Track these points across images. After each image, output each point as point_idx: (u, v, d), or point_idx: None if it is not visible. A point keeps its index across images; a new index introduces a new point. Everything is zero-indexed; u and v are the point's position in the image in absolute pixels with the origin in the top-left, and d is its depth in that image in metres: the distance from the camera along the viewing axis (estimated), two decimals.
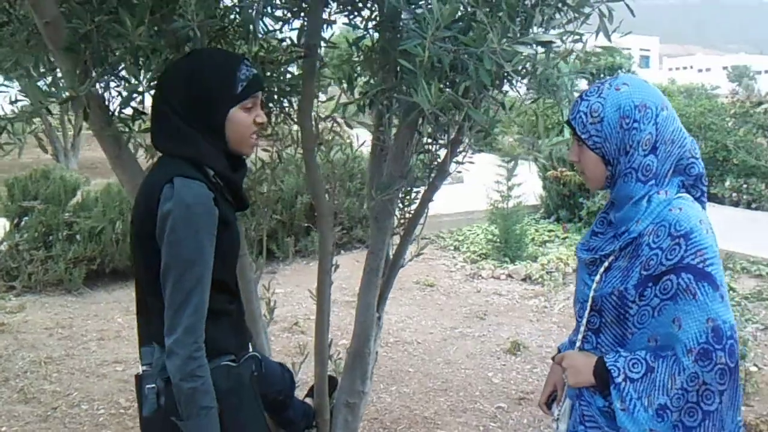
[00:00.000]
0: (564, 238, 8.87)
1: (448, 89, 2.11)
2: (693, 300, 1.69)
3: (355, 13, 2.74)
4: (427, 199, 2.85)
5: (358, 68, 2.65)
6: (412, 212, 2.93)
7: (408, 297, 6.73)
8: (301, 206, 7.83)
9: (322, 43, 2.82)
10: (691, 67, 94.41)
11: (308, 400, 2.94)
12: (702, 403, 1.71)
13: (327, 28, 2.87)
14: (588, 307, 1.90)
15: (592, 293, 1.88)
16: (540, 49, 2.19)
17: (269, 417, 2.63)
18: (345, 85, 2.58)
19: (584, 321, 1.93)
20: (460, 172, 2.83)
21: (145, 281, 2.01)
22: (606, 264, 1.87)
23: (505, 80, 2.45)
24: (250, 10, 2.02)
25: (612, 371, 1.79)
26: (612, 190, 1.88)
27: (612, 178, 1.86)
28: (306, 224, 7.89)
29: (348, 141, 3.02)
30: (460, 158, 2.83)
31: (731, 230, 7.99)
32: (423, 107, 1.93)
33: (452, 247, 8.66)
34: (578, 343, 1.96)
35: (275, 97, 2.80)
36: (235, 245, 2.12)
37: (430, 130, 2.72)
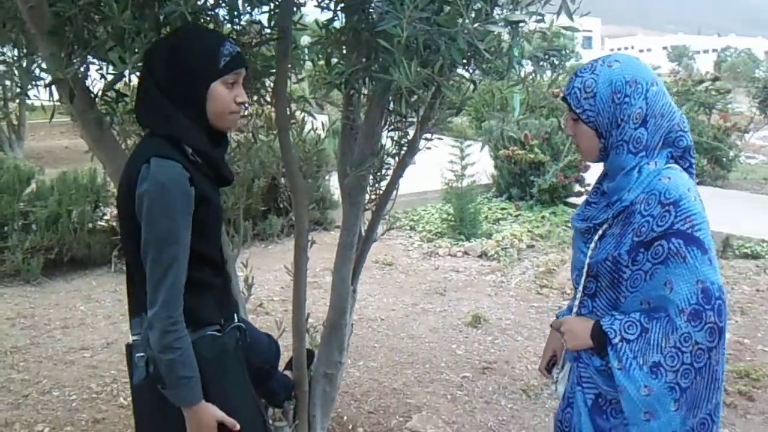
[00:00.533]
0: (516, 216, 9.07)
1: (422, 68, 2.21)
2: (683, 263, 1.80)
3: None
4: (397, 175, 2.97)
5: (330, 50, 2.73)
6: (383, 188, 3.03)
7: (368, 276, 6.83)
8: (258, 190, 7.84)
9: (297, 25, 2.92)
10: (632, 48, 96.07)
11: (287, 373, 3.03)
12: (694, 362, 1.81)
13: (296, 10, 2.96)
14: (584, 274, 2.03)
15: (587, 260, 2.01)
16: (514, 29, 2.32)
17: (254, 387, 2.73)
18: (323, 67, 2.66)
19: (581, 287, 2.05)
20: (429, 148, 2.95)
21: (130, 256, 2.07)
22: (600, 232, 1.99)
23: (472, 59, 2.57)
24: None
25: (609, 333, 1.91)
26: (605, 161, 2.00)
27: (605, 150, 1.97)
28: (263, 208, 7.94)
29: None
30: (428, 135, 2.96)
31: None
32: (401, 85, 2.04)
33: (408, 227, 8.78)
34: (575, 309, 2.09)
35: (249, 79, 2.88)
36: (218, 220, 2.20)
37: (403, 108, 2.82)
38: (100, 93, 2.40)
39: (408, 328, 5.43)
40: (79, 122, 2.45)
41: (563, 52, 36.09)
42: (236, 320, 2.29)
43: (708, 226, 1.86)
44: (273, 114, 2.83)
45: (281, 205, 8.18)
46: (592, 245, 2.01)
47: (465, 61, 2.57)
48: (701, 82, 12.56)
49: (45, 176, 7.73)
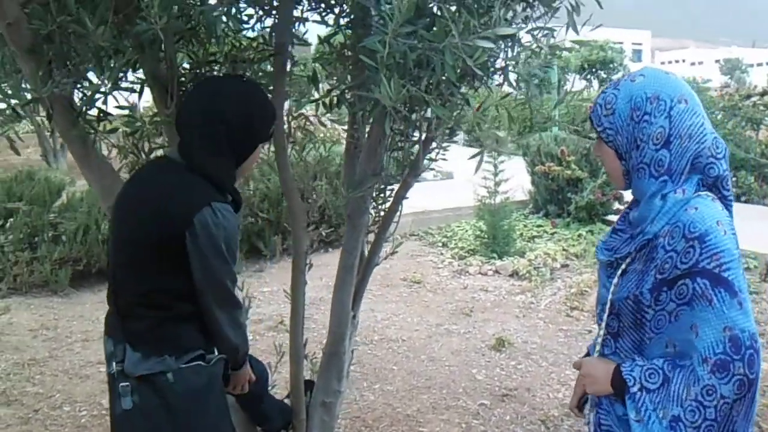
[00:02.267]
0: (552, 234, 8.86)
1: (413, 86, 2.09)
2: (709, 307, 1.61)
3: (327, 11, 2.73)
4: (400, 196, 2.84)
5: (326, 66, 2.63)
6: (386, 210, 2.91)
7: (394, 294, 6.72)
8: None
9: (295, 41, 2.83)
10: (684, 61, 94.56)
11: (287, 401, 2.94)
12: (718, 417, 1.62)
13: (299, 25, 2.87)
14: (607, 311, 1.85)
15: (610, 296, 1.83)
16: (507, 44, 2.20)
17: (243, 411, 2.66)
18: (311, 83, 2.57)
19: (603, 324, 1.88)
20: (433, 169, 2.82)
21: (138, 285, 2.07)
22: (623, 267, 1.82)
23: (475, 77, 2.44)
24: (214, 13, 1.99)
25: (627, 380, 1.73)
26: (630, 186, 1.83)
27: (627, 173, 1.80)
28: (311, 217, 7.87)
29: (321, 138, 3.00)
30: (433, 155, 2.83)
31: None
32: (384, 103, 1.92)
33: (440, 244, 8.64)
34: (598, 347, 1.92)
35: None
36: None
37: (400, 127, 2.70)
38: (82, 112, 2.33)
39: (429, 350, 5.28)
40: (64, 140, 2.38)
41: (612, 66, 35.58)
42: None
43: (740, 264, 1.65)
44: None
45: (311, 219, 8.12)
46: (615, 281, 1.83)
47: (469, 78, 2.44)
48: (749, 96, 12.19)
49: (75, 188, 7.79)
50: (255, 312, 6.08)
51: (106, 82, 2.05)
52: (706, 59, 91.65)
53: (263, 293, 6.66)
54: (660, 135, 1.70)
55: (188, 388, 2.07)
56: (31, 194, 7.18)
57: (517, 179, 8.77)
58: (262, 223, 7.76)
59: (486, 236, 8.06)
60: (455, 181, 11.27)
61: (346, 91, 2.45)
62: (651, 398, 1.69)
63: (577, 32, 2.31)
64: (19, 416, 4.23)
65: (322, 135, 2.95)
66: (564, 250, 7.96)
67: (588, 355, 2.06)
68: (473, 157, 2.22)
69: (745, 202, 10.88)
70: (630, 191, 1.87)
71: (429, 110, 2.57)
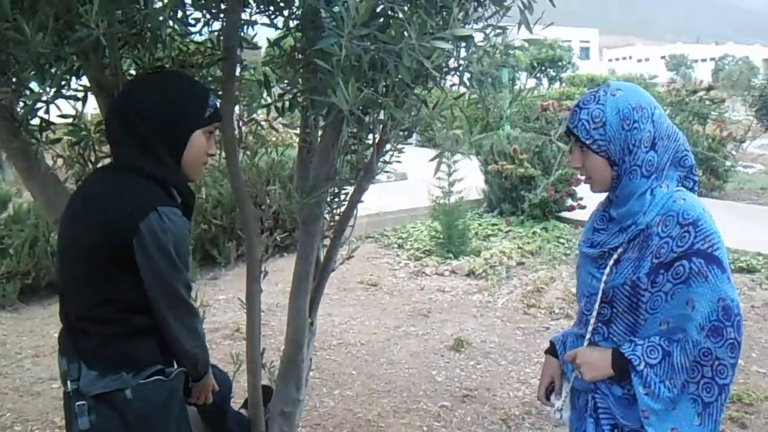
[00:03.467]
0: (507, 232, 8.90)
1: (368, 89, 2.06)
2: (705, 282, 1.83)
3: (276, 13, 2.68)
4: (355, 200, 2.80)
5: (275, 70, 2.58)
6: (341, 214, 2.87)
7: (351, 297, 6.68)
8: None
9: (244, 45, 2.77)
10: (631, 58, 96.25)
11: (243, 411, 2.88)
12: (717, 377, 1.84)
13: (247, 28, 2.82)
14: (598, 299, 2.01)
15: (602, 285, 1.99)
16: (461, 44, 2.17)
17: (206, 426, 2.60)
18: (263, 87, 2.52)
19: (594, 313, 2.03)
20: (387, 171, 2.79)
21: (93, 297, 1.99)
22: (615, 256, 1.98)
23: (429, 77, 2.41)
24: (159, 17, 1.93)
25: (633, 360, 1.91)
26: (615, 189, 1.99)
27: (618, 177, 1.97)
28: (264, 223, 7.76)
29: (273, 142, 2.94)
30: (387, 158, 2.80)
31: None
32: (341, 107, 1.89)
33: (396, 245, 8.62)
34: (588, 335, 2.06)
35: None
36: None
37: (354, 130, 2.67)
38: (23, 122, 2.24)
39: (388, 353, 5.25)
40: (5, 152, 2.30)
41: (561, 63, 36.03)
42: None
43: (724, 245, 1.89)
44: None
45: (265, 225, 8.03)
46: (607, 270, 1.99)
47: (422, 79, 2.42)
48: (695, 91, 12.42)
49: (22, 199, 7.59)
50: (211, 320, 5.99)
51: (47, 90, 1.97)
52: (652, 56, 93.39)
53: (218, 301, 6.57)
54: (648, 139, 1.93)
55: (148, 404, 2.01)
56: None
57: (470, 179, 8.79)
58: (215, 229, 7.65)
59: (441, 236, 8.06)
60: (409, 181, 11.26)
61: (299, 95, 2.40)
62: (655, 371, 1.89)
63: (530, 30, 2.30)
64: None
65: (274, 139, 2.90)
66: (519, 248, 8.00)
67: (553, 347, 2.27)
68: (433, 159, 2.19)
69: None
70: (606, 192, 2.06)
71: (382, 113, 2.54)
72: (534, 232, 8.71)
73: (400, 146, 2.70)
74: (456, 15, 1.95)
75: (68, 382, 2.01)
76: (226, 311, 6.28)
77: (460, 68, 2.21)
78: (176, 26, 2.09)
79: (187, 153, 2.03)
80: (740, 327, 1.84)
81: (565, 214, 9.25)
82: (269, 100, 2.53)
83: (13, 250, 6.66)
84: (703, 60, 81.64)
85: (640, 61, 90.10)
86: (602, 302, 2.01)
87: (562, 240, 8.47)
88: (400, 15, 2.00)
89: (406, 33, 1.92)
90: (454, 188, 8.12)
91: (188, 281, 2.06)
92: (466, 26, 2.05)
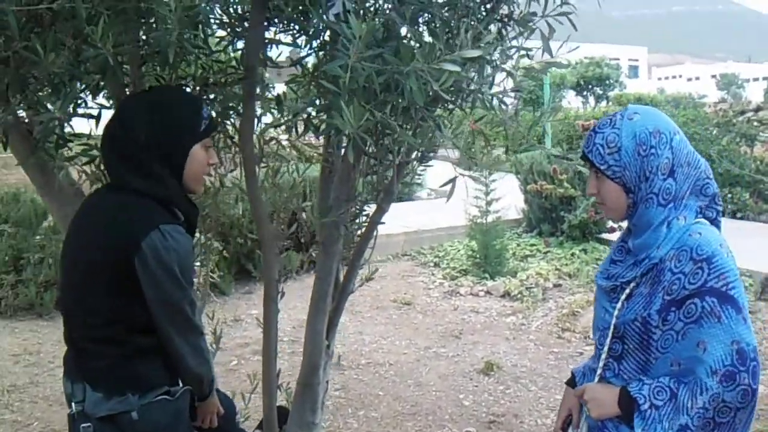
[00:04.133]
0: (545, 253, 8.77)
1: (380, 111, 2.03)
2: (718, 323, 1.73)
3: (300, 33, 2.66)
4: (374, 222, 2.77)
5: (295, 89, 2.57)
6: (360, 236, 2.84)
7: (384, 316, 6.63)
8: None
9: (268, 64, 2.77)
10: (680, 76, 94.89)
11: None
12: (716, 416, 1.74)
13: (271, 47, 2.81)
14: (609, 335, 1.92)
15: (614, 320, 1.91)
16: (476, 66, 2.13)
17: None
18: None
19: (606, 348, 1.95)
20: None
21: (91, 318, 1.98)
22: (627, 291, 1.90)
23: (441, 100, 2.37)
24: (168, 37, 1.92)
25: (638, 399, 1.82)
26: (632, 217, 1.91)
27: (633, 205, 1.89)
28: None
29: (293, 163, 2.93)
30: (409, 178, 2.77)
31: None
32: (345, 130, 1.86)
33: (432, 264, 8.56)
34: (599, 371, 1.97)
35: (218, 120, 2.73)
36: None
37: (373, 151, 2.64)
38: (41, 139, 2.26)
39: (417, 374, 5.17)
40: (23, 168, 2.31)
41: (608, 81, 35.63)
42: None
43: (741, 283, 1.79)
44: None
45: (302, 241, 8.03)
46: (619, 305, 1.91)
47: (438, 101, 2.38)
48: (743, 112, 12.10)
49: None
50: (241, 335, 6.01)
51: (62, 108, 1.97)
52: (702, 74, 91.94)
53: (251, 315, 6.56)
54: (666, 165, 1.82)
55: (154, 425, 1.99)
56: (17, 216, 7.10)
57: (510, 198, 8.69)
58: (251, 244, 7.67)
59: (478, 256, 7.96)
60: (450, 199, 11.16)
61: (311, 115, 2.38)
62: (659, 413, 1.79)
63: (551, 55, 2.26)
64: None
65: (294, 159, 2.88)
66: (557, 269, 7.86)
67: (573, 379, 2.17)
68: (445, 185, 2.15)
69: (741, 218, 10.80)
70: (625, 221, 1.98)
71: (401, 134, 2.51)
72: (573, 254, 8.56)
73: (420, 168, 2.65)
74: (469, 37, 1.91)
75: (73, 403, 2.00)
76: (258, 327, 6.26)
77: (475, 91, 2.15)
78: (188, 45, 2.07)
79: (188, 168, 2.01)
80: (756, 373, 1.73)
81: (605, 235, 9.07)
82: (282, 120, 2.50)
83: (51, 259, 6.76)
84: (755, 79, 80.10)
85: (690, 80, 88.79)
86: (614, 337, 1.92)
87: (600, 262, 8.29)
88: (413, 37, 1.97)
89: (415, 55, 1.88)
90: (491, 207, 8.02)
91: (192, 299, 2.04)
92: (482, 46, 1.99)
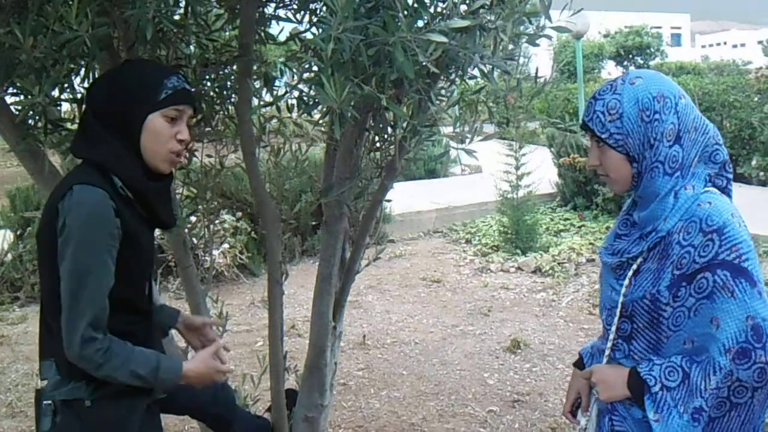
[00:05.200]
0: (579, 227, 8.62)
1: (368, 85, 1.95)
2: (731, 298, 1.64)
3: (299, 9, 2.59)
4: (378, 200, 2.69)
5: (291, 66, 2.50)
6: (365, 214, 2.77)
7: (412, 294, 6.57)
8: (306, 204, 7.67)
9: (267, 41, 2.71)
10: (725, 43, 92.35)
11: (267, 415, 2.82)
12: (732, 396, 1.67)
13: (271, 24, 2.75)
14: (617, 314, 1.83)
15: (621, 298, 1.81)
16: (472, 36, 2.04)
17: None
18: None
19: (614, 328, 1.85)
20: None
21: (47, 294, 1.90)
22: (634, 267, 1.80)
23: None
24: (147, 15, 1.86)
25: (648, 380, 1.73)
26: (637, 188, 1.80)
27: (638, 175, 1.78)
28: (313, 223, 7.73)
29: (296, 142, 2.85)
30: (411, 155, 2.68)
31: (757, 211, 7.25)
32: (329, 105, 1.79)
33: (464, 240, 8.47)
34: (608, 352, 1.89)
35: (215, 99, 2.68)
36: (145, 264, 2.00)
37: (377, 125, 2.56)
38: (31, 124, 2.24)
39: (442, 353, 5.11)
40: (15, 155, 2.29)
41: (649, 50, 34.87)
42: None
43: (755, 255, 1.69)
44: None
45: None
46: (626, 282, 1.80)
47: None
48: None
49: None
50: (263, 316, 5.99)
51: (42, 93, 1.93)
52: (748, 41, 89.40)
53: None
54: (672, 131, 1.72)
55: (104, 416, 1.88)
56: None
57: (543, 170, 8.52)
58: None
59: (509, 232, 7.84)
60: (483, 174, 11.05)
61: (303, 92, 2.31)
62: (672, 395, 1.70)
63: (550, 20, 2.15)
64: (22, 429, 4.17)
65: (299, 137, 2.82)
66: (590, 243, 7.72)
67: (581, 359, 2.09)
68: (438, 158, 2.07)
69: None
70: (631, 193, 1.86)
71: (404, 108, 2.42)
72: (607, 227, 8.38)
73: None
74: (454, 5, 1.82)
75: (40, 380, 1.95)
76: (286, 306, 6.26)
77: (466, 61, 2.06)
78: (166, 23, 2.01)
79: (145, 140, 1.85)
80: None
81: None
82: (270, 99, 2.44)
83: None
84: None
85: (735, 46, 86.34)
86: (622, 317, 1.82)
87: None
88: (399, 7, 1.88)
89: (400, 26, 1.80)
90: (522, 182, 7.87)
91: (97, 267, 1.78)
92: (474, 16, 1.90)
